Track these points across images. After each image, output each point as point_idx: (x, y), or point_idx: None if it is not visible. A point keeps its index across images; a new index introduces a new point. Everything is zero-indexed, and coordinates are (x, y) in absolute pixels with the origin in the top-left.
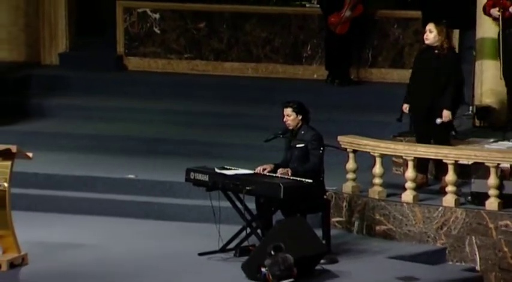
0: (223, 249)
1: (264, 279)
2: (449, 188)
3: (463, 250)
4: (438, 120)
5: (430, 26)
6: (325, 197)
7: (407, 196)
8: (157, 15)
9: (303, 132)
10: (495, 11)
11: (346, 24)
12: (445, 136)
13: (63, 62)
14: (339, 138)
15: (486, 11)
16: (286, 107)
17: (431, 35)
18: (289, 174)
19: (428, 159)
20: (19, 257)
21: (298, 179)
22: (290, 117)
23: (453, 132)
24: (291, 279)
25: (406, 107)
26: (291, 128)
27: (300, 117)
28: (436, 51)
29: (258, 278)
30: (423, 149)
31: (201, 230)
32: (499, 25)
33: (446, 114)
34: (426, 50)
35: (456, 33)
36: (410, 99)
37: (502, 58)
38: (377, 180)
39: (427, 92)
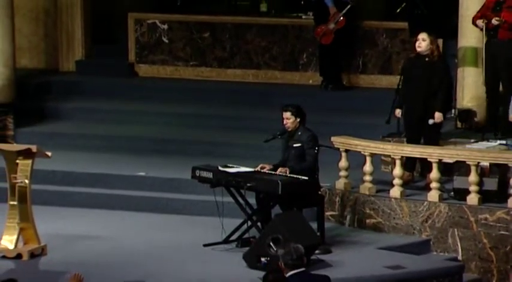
0: (226, 241)
1: (266, 268)
2: (434, 185)
3: (446, 241)
4: (431, 121)
5: (423, 35)
6: (319, 192)
7: (395, 192)
8: (165, 26)
9: (299, 133)
10: (480, 22)
11: (330, 36)
12: (435, 137)
13: (79, 68)
14: (332, 138)
15: (473, 21)
16: (285, 111)
17: (424, 43)
18: (287, 173)
19: (414, 158)
20: (39, 247)
21: (295, 176)
22: (289, 120)
23: None
24: (302, 269)
25: (398, 112)
26: (290, 129)
27: (298, 119)
28: (427, 59)
29: (258, 267)
30: (409, 149)
31: (205, 222)
32: (483, 35)
33: (438, 116)
34: (416, 58)
35: (440, 42)
36: (403, 104)
37: (485, 65)
38: (367, 178)
39: (420, 96)
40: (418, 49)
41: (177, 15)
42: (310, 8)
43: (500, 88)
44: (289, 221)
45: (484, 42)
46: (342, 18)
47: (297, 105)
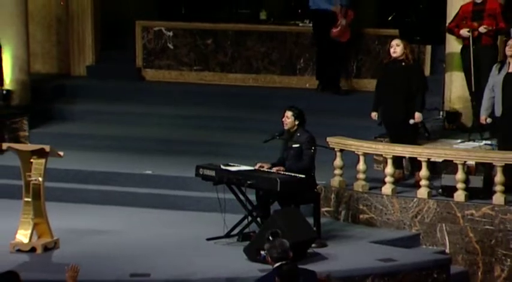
0: (227, 235)
1: (265, 261)
2: (423, 182)
3: (434, 236)
4: (411, 121)
5: (397, 41)
6: (315, 190)
7: (387, 189)
8: (170, 33)
9: (298, 134)
10: (465, 32)
11: (347, 32)
12: (413, 137)
13: (90, 73)
14: (328, 139)
15: (454, 32)
16: (289, 110)
17: (398, 48)
18: (282, 170)
19: (404, 157)
20: (52, 241)
21: (293, 174)
22: (288, 119)
23: (426, 134)
24: (288, 261)
25: (375, 115)
26: (286, 128)
27: (296, 122)
28: (403, 63)
29: (257, 259)
30: (400, 148)
31: (208, 218)
32: (467, 42)
33: (418, 116)
34: (392, 63)
35: (428, 48)
36: (381, 107)
37: (467, 70)
38: (360, 176)
39: (400, 99)
40: (394, 54)
41: (182, 23)
42: (307, 16)
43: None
44: (287, 216)
45: (471, 50)
46: (348, 11)
47: (300, 109)
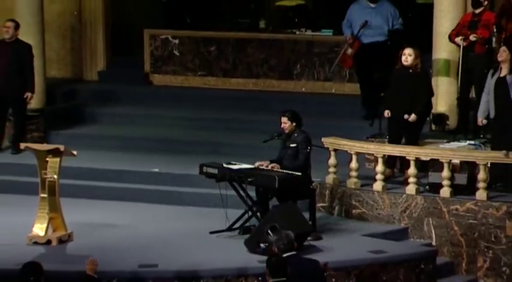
0: (229, 229)
1: (264, 253)
2: (411, 180)
3: (422, 229)
4: (406, 116)
5: (409, 51)
6: (311, 186)
7: (378, 186)
8: (176, 41)
9: (295, 134)
10: (458, 40)
11: (349, 60)
12: (415, 137)
13: (101, 78)
14: (323, 139)
15: (451, 39)
16: (283, 116)
17: (410, 57)
18: (276, 168)
19: (394, 157)
20: (66, 234)
21: (290, 172)
22: (286, 124)
23: None
24: (293, 252)
25: (388, 112)
26: (286, 131)
27: (294, 124)
28: (410, 70)
29: (257, 251)
30: (390, 148)
31: (211, 213)
32: (459, 50)
33: (412, 117)
34: (401, 70)
35: None
36: (389, 108)
37: (461, 77)
38: (353, 173)
39: (406, 104)
40: (405, 63)
41: (187, 31)
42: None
43: (471, 95)
44: (285, 211)
45: (461, 57)
46: (355, 41)
47: (293, 111)
